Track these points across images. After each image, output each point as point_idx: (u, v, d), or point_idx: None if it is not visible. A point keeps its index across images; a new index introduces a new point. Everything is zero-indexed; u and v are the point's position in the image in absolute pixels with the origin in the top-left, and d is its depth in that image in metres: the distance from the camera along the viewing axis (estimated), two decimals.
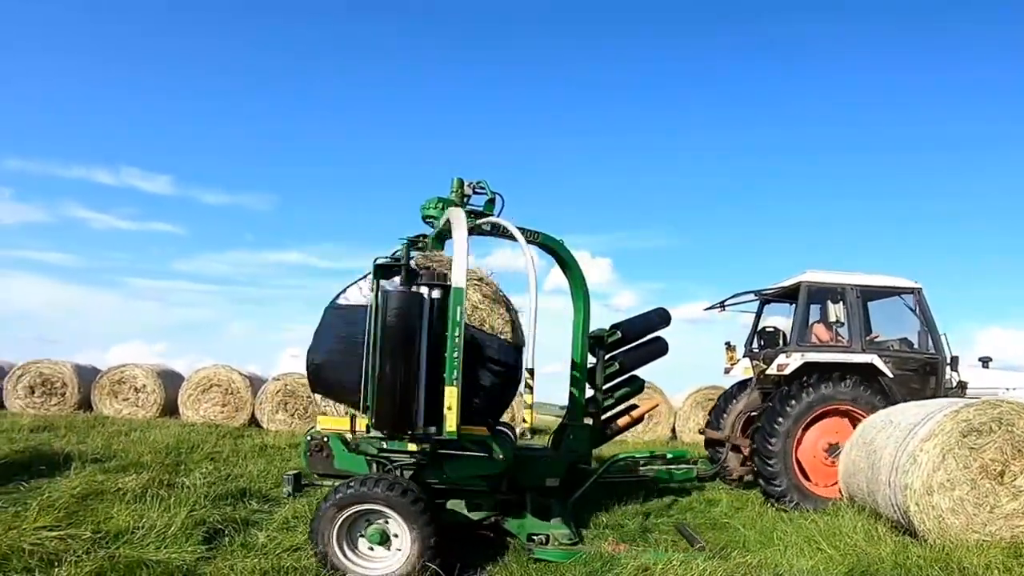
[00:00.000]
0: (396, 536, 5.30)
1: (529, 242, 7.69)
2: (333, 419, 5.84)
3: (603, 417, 8.28)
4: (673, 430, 17.07)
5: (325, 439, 5.93)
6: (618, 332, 8.25)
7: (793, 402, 8.41)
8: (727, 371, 10.42)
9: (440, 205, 6.84)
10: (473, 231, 7.12)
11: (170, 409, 16.15)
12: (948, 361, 8.97)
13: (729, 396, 10.44)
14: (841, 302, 8.98)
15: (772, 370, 8.88)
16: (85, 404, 16.05)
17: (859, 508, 7.33)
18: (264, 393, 15.95)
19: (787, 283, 9.60)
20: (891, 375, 8.70)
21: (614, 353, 8.33)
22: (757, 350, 10.15)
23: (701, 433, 10.54)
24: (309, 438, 6.00)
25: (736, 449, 9.68)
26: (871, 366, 8.68)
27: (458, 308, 5.10)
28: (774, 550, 6.27)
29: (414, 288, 5.35)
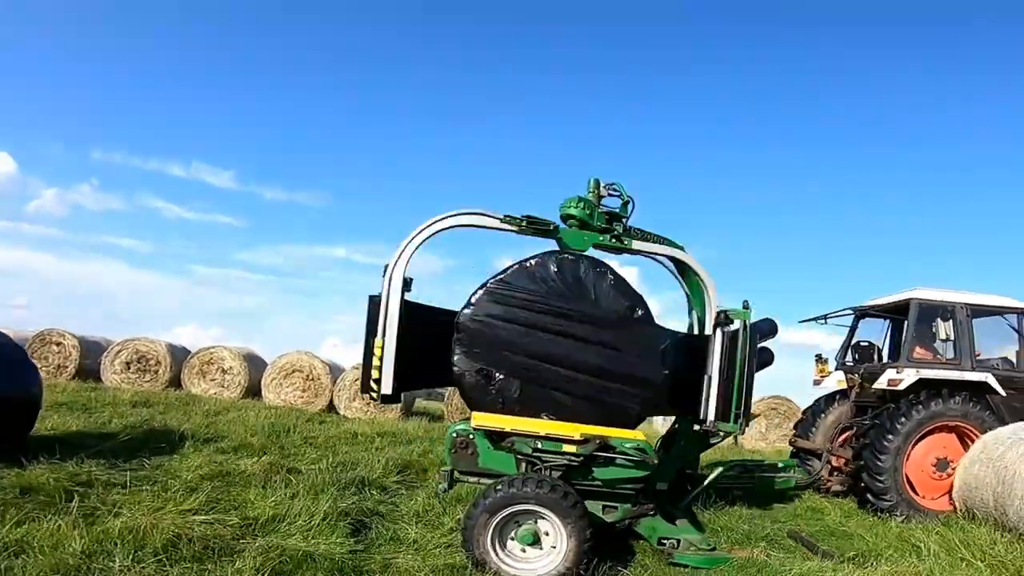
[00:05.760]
0: (547, 535, 4.87)
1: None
2: (488, 416, 5.35)
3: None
4: (735, 437, 16.38)
5: (471, 436, 5.46)
6: None
7: (903, 419, 7.82)
8: (817, 383, 9.85)
9: (581, 204, 6.32)
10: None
11: (253, 391, 15.87)
12: None
13: (818, 408, 9.82)
14: (951, 320, 8.36)
15: (882, 384, 8.28)
16: (175, 382, 15.85)
17: (981, 522, 6.82)
18: (343, 380, 15.63)
19: (892, 299, 9.00)
20: (1004, 393, 8.08)
21: None
22: (852, 364, 9.57)
23: (791, 444, 9.95)
24: (455, 434, 5.53)
25: (832, 459, 9.12)
26: (984, 384, 8.06)
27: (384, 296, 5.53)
28: (911, 561, 5.67)
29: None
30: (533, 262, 5.62)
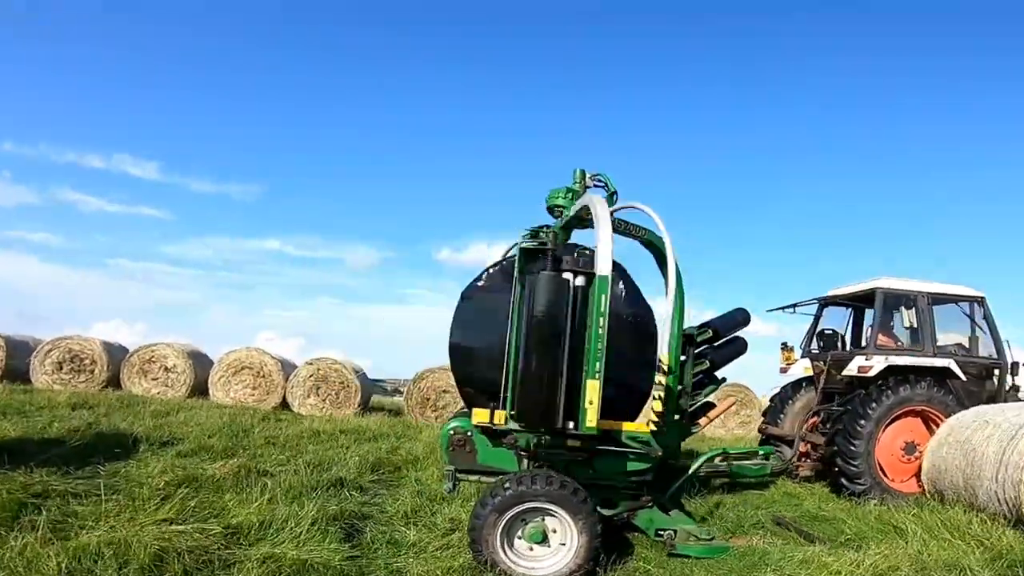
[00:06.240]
0: (555, 532, 4.76)
1: (634, 237, 7.18)
2: (486, 412, 5.19)
3: (689, 413, 7.82)
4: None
5: (468, 434, 5.30)
6: (708, 331, 7.79)
7: (874, 404, 8.07)
8: (783, 370, 10.09)
9: (569, 195, 6.24)
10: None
11: (200, 390, 15.16)
12: (1009, 367, 8.79)
13: (786, 395, 10.06)
14: (913, 308, 8.70)
15: (851, 371, 8.54)
16: (113, 382, 14.94)
17: (950, 503, 7.10)
18: (296, 377, 15.08)
19: (856, 289, 9.28)
20: (964, 378, 8.46)
21: (701, 350, 7.89)
22: (817, 351, 9.85)
23: (760, 431, 10.18)
24: (451, 432, 5.35)
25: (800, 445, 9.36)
26: (947, 369, 8.42)
27: (603, 297, 4.51)
28: (899, 543, 5.81)
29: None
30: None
